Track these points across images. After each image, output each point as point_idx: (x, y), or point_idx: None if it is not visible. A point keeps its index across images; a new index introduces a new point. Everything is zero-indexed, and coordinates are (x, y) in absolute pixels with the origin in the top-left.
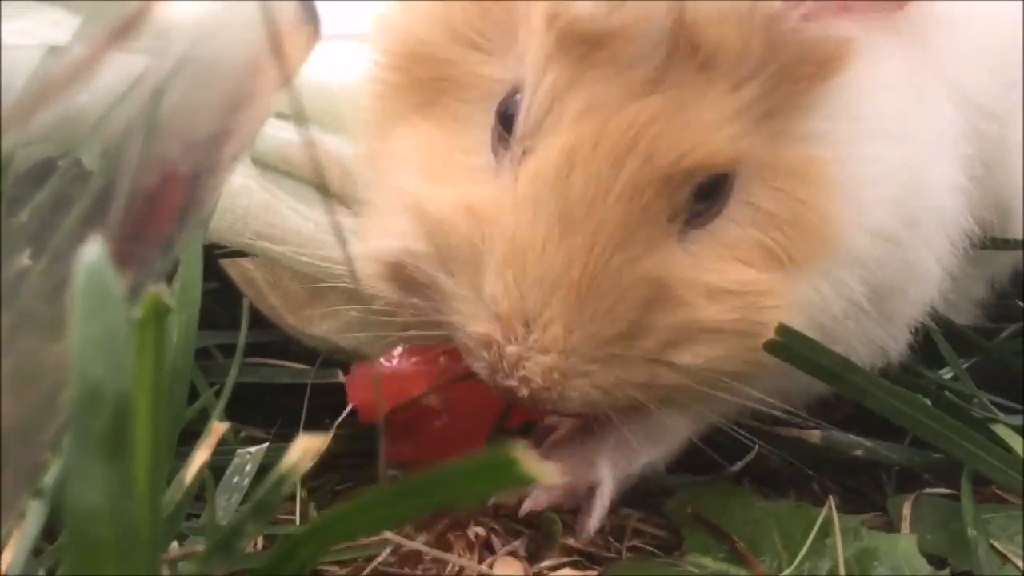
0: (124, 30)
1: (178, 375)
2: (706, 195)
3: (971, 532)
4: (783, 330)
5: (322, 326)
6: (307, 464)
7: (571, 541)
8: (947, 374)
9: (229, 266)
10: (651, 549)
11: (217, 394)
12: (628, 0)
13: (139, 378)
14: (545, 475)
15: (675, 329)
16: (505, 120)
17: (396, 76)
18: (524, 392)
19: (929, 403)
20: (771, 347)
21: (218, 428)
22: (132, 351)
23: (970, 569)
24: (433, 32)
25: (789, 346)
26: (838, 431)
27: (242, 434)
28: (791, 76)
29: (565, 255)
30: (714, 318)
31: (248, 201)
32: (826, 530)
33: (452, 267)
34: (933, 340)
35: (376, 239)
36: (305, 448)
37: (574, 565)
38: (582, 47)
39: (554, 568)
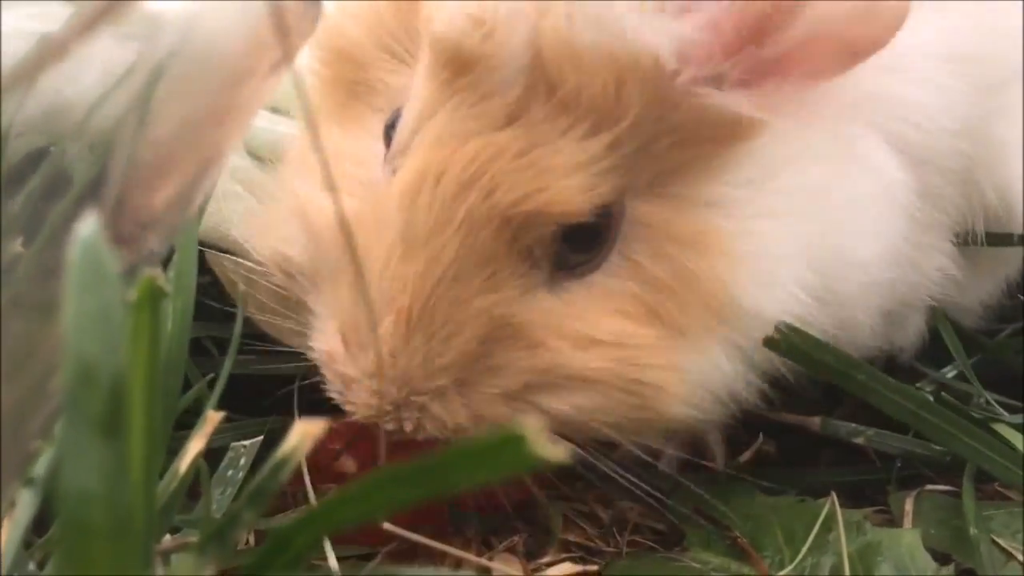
0: (112, 11)
1: (172, 363)
2: (580, 247)
3: (973, 530)
4: (785, 327)
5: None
6: (306, 449)
7: (570, 536)
8: (948, 373)
9: (215, 263)
10: (651, 544)
11: (211, 384)
12: (488, 22)
13: (134, 362)
14: (556, 453)
15: (534, 372)
16: (388, 135)
17: (326, 72)
18: (358, 415)
19: (932, 400)
20: (771, 344)
21: (213, 417)
22: (127, 329)
23: (972, 566)
24: (359, 32)
25: (791, 343)
26: (839, 420)
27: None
28: (690, 138)
29: (400, 280)
30: (582, 365)
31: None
32: (828, 525)
33: (318, 280)
34: (932, 339)
35: (265, 239)
36: (304, 432)
37: (574, 560)
38: (449, 70)
39: (553, 563)
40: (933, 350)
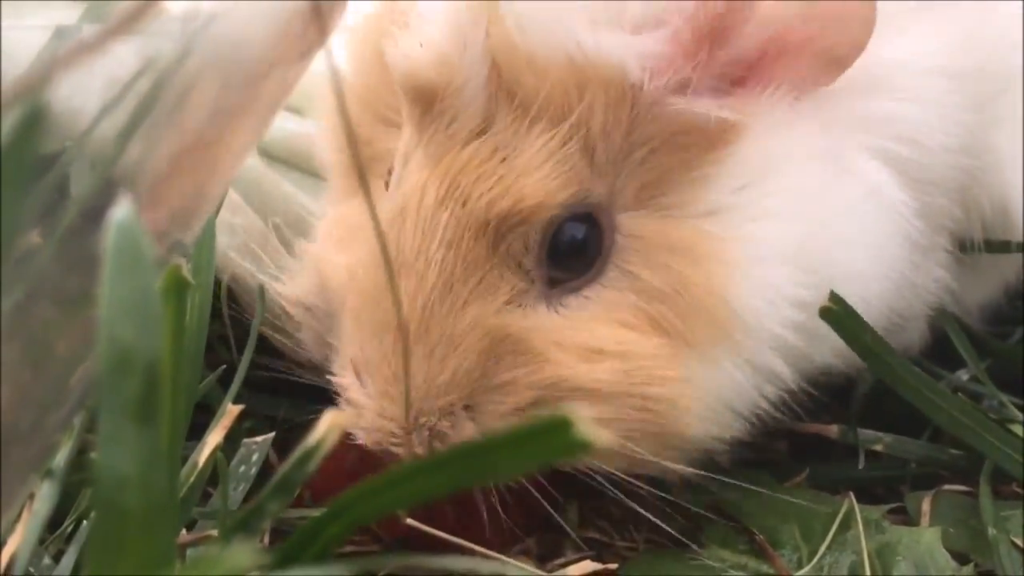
0: (136, 14)
1: (192, 356)
2: (571, 261)
3: (992, 530)
4: (835, 298)
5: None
6: (333, 440)
7: (589, 533)
8: (962, 376)
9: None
10: (666, 543)
11: (227, 379)
12: (437, 50)
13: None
14: (603, 438)
15: (541, 387)
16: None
17: (338, 156)
18: (368, 441)
19: (955, 396)
20: (825, 313)
21: (232, 410)
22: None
23: (990, 566)
24: (358, 109)
25: (839, 315)
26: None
27: (247, 424)
28: (669, 145)
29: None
30: (588, 378)
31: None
32: (846, 523)
33: (334, 323)
34: (942, 342)
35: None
36: (332, 423)
37: (591, 559)
38: (420, 106)
39: (569, 563)
40: (943, 353)
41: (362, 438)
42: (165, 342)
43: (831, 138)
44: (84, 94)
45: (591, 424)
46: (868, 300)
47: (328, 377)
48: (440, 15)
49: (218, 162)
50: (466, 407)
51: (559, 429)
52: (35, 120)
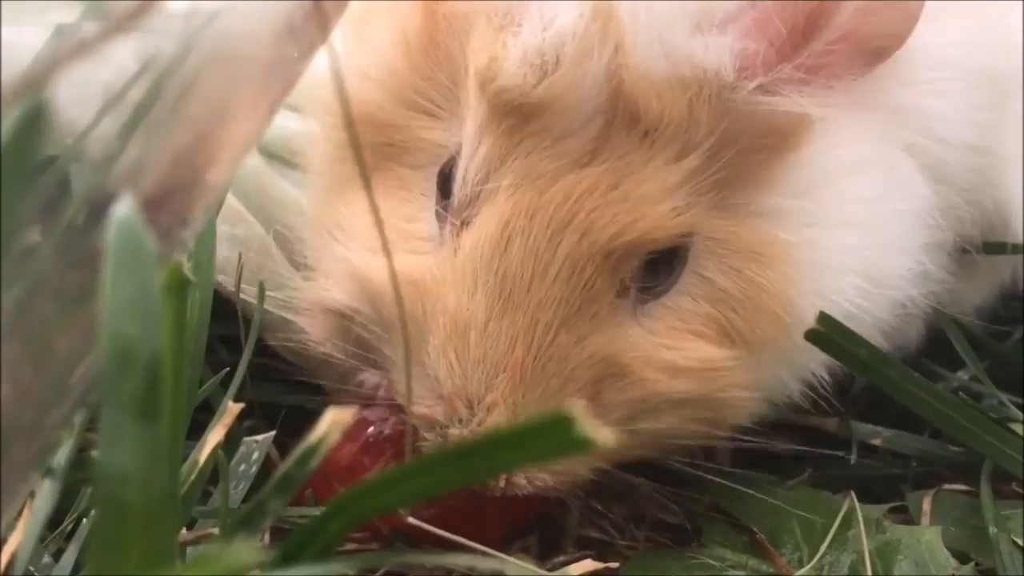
0: (137, 12)
1: (192, 355)
2: (659, 268)
3: (992, 529)
4: (823, 319)
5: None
6: (335, 437)
7: (588, 532)
8: (962, 376)
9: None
10: (666, 541)
11: (228, 378)
12: (557, 73)
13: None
14: (605, 436)
15: (635, 403)
16: (445, 188)
17: (343, 137)
18: (475, 483)
19: (956, 398)
20: (811, 336)
21: (232, 408)
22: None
23: (991, 565)
24: (378, 95)
25: (827, 335)
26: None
27: (247, 423)
28: (748, 147)
29: (507, 333)
30: (673, 391)
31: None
32: (847, 522)
33: (395, 337)
34: (941, 342)
35: (322, 292)
36: (334, 420)
37: (592, 557)
38: (514, 117)
39: (569, 561)
40: (941, 353)
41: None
42: (166, 340)
43: (881, 140)
44: (84, 93)
45: (592, 422)
46: (897, 303)
47: (414, 408)
48: (566, 25)
49: (219, 159)
50: None
51: (560, 427)
52: (37, 117)
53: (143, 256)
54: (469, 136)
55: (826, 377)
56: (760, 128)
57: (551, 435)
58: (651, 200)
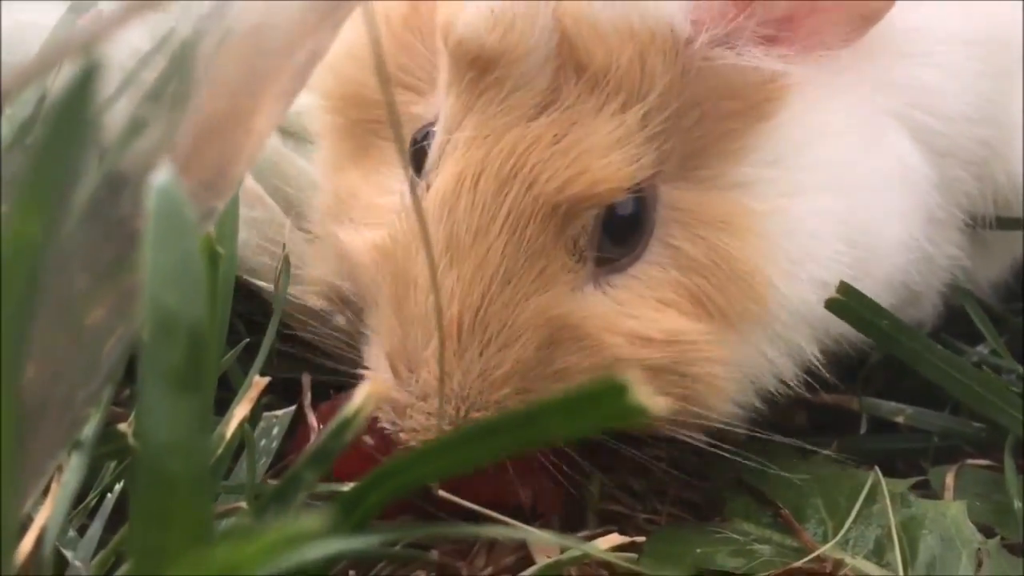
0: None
1: (218, 327)
2: (624, 237)
3: (1017, 503)
4: (844, 288)
5: None
6: (371, 410)
7: (610, 506)
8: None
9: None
10: (688, 516)
11: (246, 352)
12: (508, 16)
13: None
14: (657, 404)
15: (594, 370)
16: (418, 156)
17: (335, 119)
18: (416, 442)
19: (978, 370)
20: (832, 305)
21: (258, 383)
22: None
23: (1017, 540)
24: (363, 72)
25: (849, 305)
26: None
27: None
28: (715, 113)
29: (447, 290)
30: (638, 357)
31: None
32: (872, 497)
33: (365, 309)
34: (958, 317)
35: (315, 269)
36: (370, 392)
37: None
38: (473, 70)
39: (592, 537)
40: (957, 329)
41: (407, 438)
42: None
43: (863, 107)
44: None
45: (646, 390)
46: (893, 275)
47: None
48: None
49: (247, 131)
50: (521, 396)
51: (614, 394)
52: (92, 74)
53: (184, 224)
54: (440, 99)
55: (817, 355)
56: (726, 89)
57: (603, 403)
58: (597, 153)
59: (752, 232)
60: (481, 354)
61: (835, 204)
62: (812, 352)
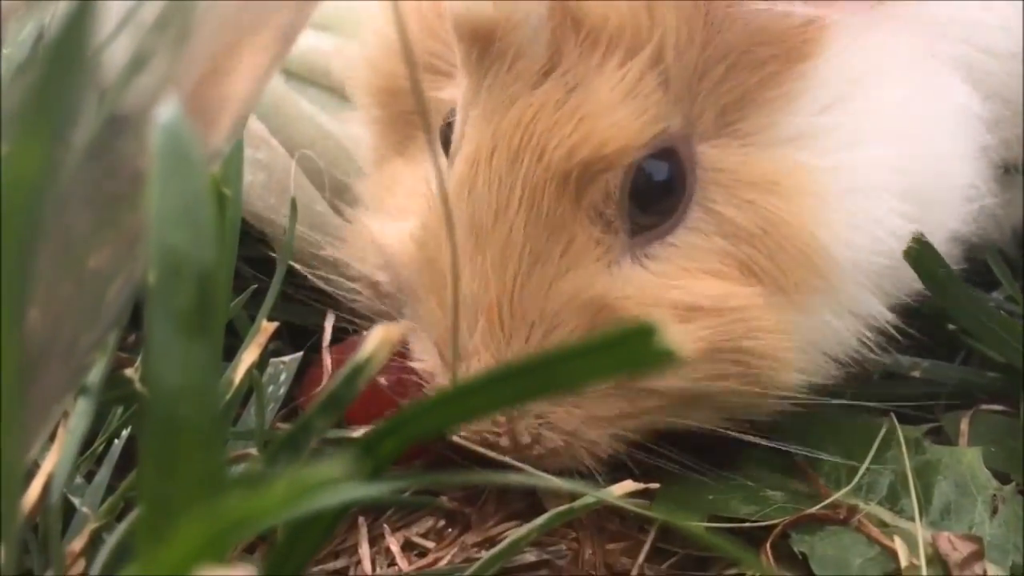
0: None
1: (225, 270)
2: (655, 202)
3: None
4: (918, 238)
5: None
6: (385, 356)
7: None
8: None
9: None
10: (697, 465)
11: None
12: None
13: None
14: (686, 346)
15: None
16: (446, 142)
17: (380, 113)
18: (469, 435)
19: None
20: (907, 254)
21: (267, 328)
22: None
23: None
24: (399, 65)
25: (919, 254)
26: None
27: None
28: (747, 61)
29: (479, 275)
30: (687, 337)
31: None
32: (885, 443)
33: (404, 299)
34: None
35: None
36: (383, 338)
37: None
38: (477, 45)
39: (608, 484)
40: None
41: (458, 430)
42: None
43: (911, 46)
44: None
45: (677, 334)
46: (956, 228)
47: (415, 364)
48: None
49: (249, 69)
50: None
51: (640, 338)
52: (87, 10)
53: (191, 161)
54: (459, 81)
55: (889, 317)
56: (758, 36)
57: (628, 347)
58: (601, 112)
59: (805, 192)
60: (527, 340)
61: (896, 151)
62: (883, 315)
